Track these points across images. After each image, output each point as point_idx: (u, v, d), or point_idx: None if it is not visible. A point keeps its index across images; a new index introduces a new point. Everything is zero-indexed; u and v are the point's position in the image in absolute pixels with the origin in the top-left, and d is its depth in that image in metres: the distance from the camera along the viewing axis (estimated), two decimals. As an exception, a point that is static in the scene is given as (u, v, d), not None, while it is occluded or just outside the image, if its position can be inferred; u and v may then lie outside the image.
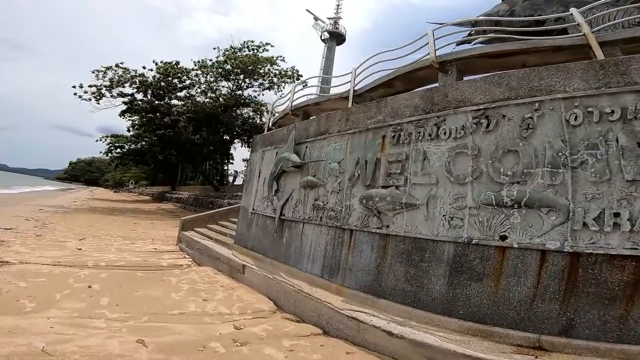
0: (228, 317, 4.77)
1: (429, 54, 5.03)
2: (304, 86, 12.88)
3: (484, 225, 3.76)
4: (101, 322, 4.19)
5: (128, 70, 23.55)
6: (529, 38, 4.41)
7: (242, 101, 25.45)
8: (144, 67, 24.08)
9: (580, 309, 3.16)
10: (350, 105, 6.30)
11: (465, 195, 3.96)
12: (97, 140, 28.10)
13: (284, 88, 25.20)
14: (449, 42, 5.33)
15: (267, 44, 24.73)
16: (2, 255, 6.97)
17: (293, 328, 4.51)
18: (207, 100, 25.03)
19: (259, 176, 8.48)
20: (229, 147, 30.49)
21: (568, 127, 3.49)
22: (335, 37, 37.79)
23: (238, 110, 26.42)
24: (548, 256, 3.36)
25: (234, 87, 25.60)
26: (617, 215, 3.10)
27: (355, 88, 6.43)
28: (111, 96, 24.02)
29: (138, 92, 24.49)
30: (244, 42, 25.01)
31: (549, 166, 3.50)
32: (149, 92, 24.36)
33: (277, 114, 9.65)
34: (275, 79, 24.69)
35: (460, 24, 7.39)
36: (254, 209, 8.29)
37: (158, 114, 23.81)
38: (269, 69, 24.49)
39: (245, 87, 25.78)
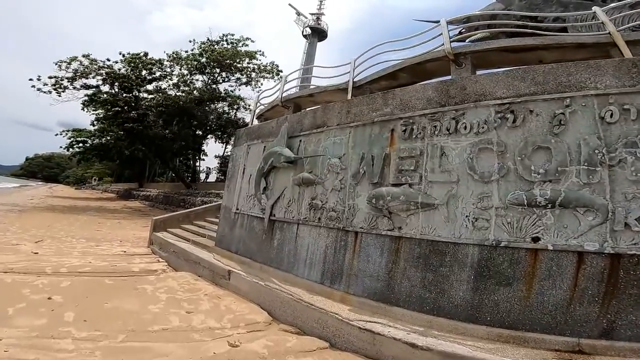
0: (219, 332, 4.18)
1: (442, 45, 4.71)
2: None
3: (513, 226, 3.51)
4: (68, 343, 3.48)
5: (95, 61, 22.05)
6: (553, 34, 4.24)
7: (217, 95, 24.33)
8: (108, 60, 22.78)
9: (622, 311, 3.03)
10: (349, 97, 5.86)
11: (491, 195, 3.66)
12: (57, 135, 25.94)
13: (261, 84, 24.45)
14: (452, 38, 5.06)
15: (247, 38, 23.89)
16: (-62, 262, 5.89)
17: (296, 342, 4.01)
18: (180, 93, 23.72)
19: (243, 172, 7.84)
20: (201, 143, 29.17)
21: (603, 124, 3.33)
22: (317, 33, 37.37)
23: (213, 105, 25.25)
24: (586, 258, 3.19)
25: (209, 81, 24.45)
26: (661, 216, 2.91)
27: (355, 79, 6.00)
28: (74, 88, 22.37)
29: (104, 84, 23.00)
30: (223, 35, 24.05)
31: (585, 164, 3.28)
32: (116, 84, 22.83)
33: (262, 106, 9.02)
34: (253, 74, 23.82)
35: (451, 22, 7.19)
36: (238, 209, 7.64)
37: (125, 107, 22.24)
38: (248, 63, 23.60)
39: (221, 81, 24.73)
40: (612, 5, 4.38)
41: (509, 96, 3.81)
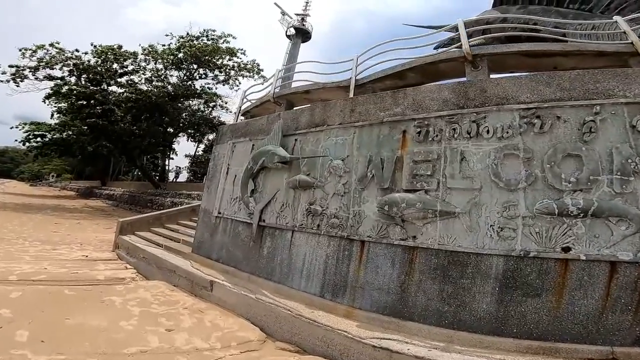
0: (209, 354, 3.61)
1: (460, 46, 4.50)
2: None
3: (542, 236, 3.35)
4: (20, 375, 2.80)
5: (63, 50, 20.52)
6: (576, 41, 4.18)
7: (193, 92, 23.21)
8: (77, 50, 21.37)
9: (656, 318, 2.92)
10: (351, 95, 5.50)
11: (517, 203, 3.45)
12: (12, 128, 23.71)
13: (239, 83, 23.66)
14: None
15: (229, 35, 23.07)
16: None
17: (298, 365, 3.54)
18: (152, 88, 22.40)
19: (227, 173, 7.22)
20: (172, 141, 27.69)
21: (634, 133, 3.26)
22: (302, 34, 37.01)
23: (187, 102, 24.07)
24: (619, 267, 3.12)
25: (185, 77, 23.33)
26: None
27: (357, 77, 5.66)
28: (36, 78, 20.63)
29: (70, 75, 21.40)
30: (204, 30, 23.06)
31: (619, 174, 3.15)
32: (84, 76, 21.28)
33: (248, 102, 8.46)
34: (232, 72, 22.96)
35: (441, 27, 7.13)
36: (220, 212, 7.01)
37: (92, 101, 20.66)
38: (228, 60, 22.75)
39: (197, 78, 23.65)
40: (633, 16, 4.37)
41: (533, 101, 3.67)
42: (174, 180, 31.77)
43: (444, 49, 6.67)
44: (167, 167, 32.42)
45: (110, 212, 20.35)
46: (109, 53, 21.42)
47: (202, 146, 33.65)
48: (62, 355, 3.21)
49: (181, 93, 22.21)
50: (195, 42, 22.19)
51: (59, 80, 21.34)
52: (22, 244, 8.82)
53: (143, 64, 22.71)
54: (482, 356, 3.14)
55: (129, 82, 22.94)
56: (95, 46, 21.75)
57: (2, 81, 19.85)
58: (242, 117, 8.82)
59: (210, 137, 32.18)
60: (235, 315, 4.80)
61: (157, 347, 3.64)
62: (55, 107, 22.65)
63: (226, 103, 25.02)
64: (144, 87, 22.75)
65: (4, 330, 3.62)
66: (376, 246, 4.17)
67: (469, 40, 6.06)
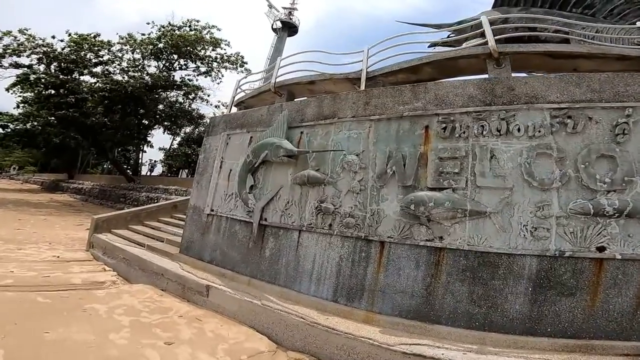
0: (220, 370, 3.23)
1: (486, 42, 4.35)
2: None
3: (576, 236, 3.34)
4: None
5: (34, 37, 19.00)
6: (601, 44, 4.19)
7: (172, 83, 22.09)
8: (53, 37, 19.99)
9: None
10: (362, 88, 5.23)
11: (551, 203, 3.37)
12: (-29, 118, 21.57)
13: (222, 75, 22.78)
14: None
15: (213, 26, 22.09)
16: None
17: (320, 378, 3.23)
18: (129, 79, 21.12)
19: (220, 167, 6.74)
20: (147, 134, 26.29)
21: None
22: (288, 28, 36.30)
23: (165, 93, 22.89)
24: None
25: (164, 67, 22.17)
26: None
27: (369, 70, 5.40)
28: (0, 66, 18.98)
29: (39, 63, 19.78)
30: (187, 20, 21.99)
31: None
32: (54, 64, 19.79)
33: (242, 93, 7.99)
34: (215, 64, 22.05)
35: (436, 25, 7.04)
36: (212, 210, 6.53)
37: (62, 91, 19.17)
38: (211, 51, 21.85)
39: (177, 69, 22.54)
40: None
41: (564, 101, 3.62)
42: (148, 174, 30.28)
43: (444, 48, 6.60)
44: (140, 161, 30.83)
45: (79, 207, 18.99)
46: (83, 41, 20.17)
47: (178, 139, 32.32)
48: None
49: (159, 84, 21.06)
50: (177, 31, 21.15)
51: (26, 69, 19.79)
52: (-19, 243, 7.88)
53: (119, 54, 21.42)
54: (520, 356, 3.10)
55: (105, 72, 21.62)
56: (70, 34, 20.43)
57: None
58: (236, 108, 8.34)
59: (188, 129, 30.97)
60: (238, 324, 4.41)
61: (159, 364, 3.21)
62: (20, 96, 21.01)
63: (208, 96, 24.09)
64: (119, 77, 21.45)
65: (-28, 346, 3.07)
66: (398, 247, 3.93)
67: (467, 40, 6.01)
